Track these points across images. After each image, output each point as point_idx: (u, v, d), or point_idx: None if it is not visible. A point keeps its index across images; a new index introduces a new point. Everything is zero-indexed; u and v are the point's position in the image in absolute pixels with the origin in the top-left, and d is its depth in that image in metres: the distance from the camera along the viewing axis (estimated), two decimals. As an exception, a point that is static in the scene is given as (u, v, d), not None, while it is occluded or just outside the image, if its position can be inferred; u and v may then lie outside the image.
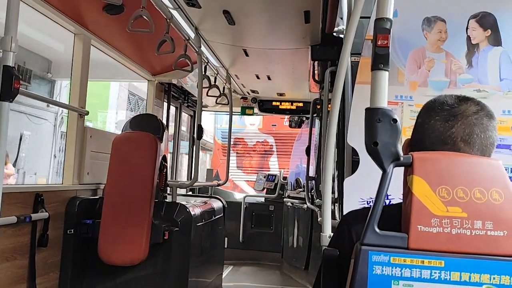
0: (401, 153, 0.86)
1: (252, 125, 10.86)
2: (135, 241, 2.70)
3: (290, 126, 6.02)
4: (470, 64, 1.85)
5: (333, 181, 2.70)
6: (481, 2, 1.84)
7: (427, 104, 0.99)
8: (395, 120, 0.84)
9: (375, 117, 0.84)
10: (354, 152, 2.08)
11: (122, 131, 3.07)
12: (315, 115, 4.68)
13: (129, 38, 3.33)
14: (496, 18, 1.84)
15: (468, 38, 1.85)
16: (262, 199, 5.94)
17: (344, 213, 1.14)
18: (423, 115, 0.97)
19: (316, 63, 3.70)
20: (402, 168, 0.88)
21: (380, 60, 0.86)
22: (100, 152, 3.05)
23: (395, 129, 0.84)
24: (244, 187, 10.93)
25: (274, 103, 5.63)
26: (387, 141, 0.84)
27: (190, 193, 5.18)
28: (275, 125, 10.90)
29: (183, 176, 6.03)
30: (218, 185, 5.02)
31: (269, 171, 9.79)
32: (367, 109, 0.86)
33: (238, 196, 6.08)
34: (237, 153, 10.80)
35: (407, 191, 0.86)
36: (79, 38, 2.93)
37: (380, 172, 0.87)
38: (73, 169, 2.84)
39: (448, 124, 0.93)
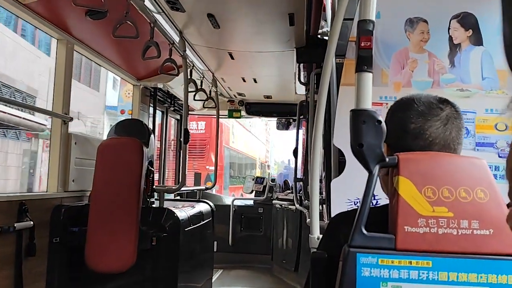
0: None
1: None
2: (122, 248, 2.66)
3: (278, 128, 6.03)
4: (452, 64, 1.87)
5: (321, 182, 2.70)
6: (462, 2, 1.86)
7: (402, 100, 1.00)
8: (379, 122, 0.84)
9: (360, 119, 0.84)
10: (341, 153, 2.08)
11: (107, 137, 3.03)
12: (302, 117, 4.69)
13: (113, 42, 3.30)
14: (477, 18, 1.87)
15: (450, 38, 1.87)
16: (251, 202, 5.94)
17: (332, 214, 1.14)
18: (398, 110, 0.98)
19: (301, 65, 3.71)
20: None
21: (364, 62, 0.86)
22: (85, 158, 3.01)
23: (380, 130, 0.84)
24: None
25: (261, 106, 5.63)
26: (372, 142, 0.83)
27: (178, 198, 5.15)
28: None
29: (170, 181, 5.98)
30: (206, 189, 4.99)
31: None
32: (352, 111, 0.86)
33: (227, 200, 6.05)
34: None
35: (393, 192, 0.86)
36: (62, 44, 2.89)
37: (366, 173, 0.87)
38: (58, 177, 2.79)
39: (427, 123, 0.94)
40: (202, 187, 5.21)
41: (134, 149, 2.80)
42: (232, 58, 3.76)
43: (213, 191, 5.95)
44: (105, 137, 3.11)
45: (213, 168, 12.38)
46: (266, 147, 22.36)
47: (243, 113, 5.67)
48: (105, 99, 16.28)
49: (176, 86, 4.44)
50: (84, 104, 14.12)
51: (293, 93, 4.97)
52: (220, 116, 5.10)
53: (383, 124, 0.84)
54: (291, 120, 5.84)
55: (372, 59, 0.86)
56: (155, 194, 3.20)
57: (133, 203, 2.71)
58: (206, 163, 12.44)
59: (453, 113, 0.96)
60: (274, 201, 5.48)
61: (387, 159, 0.85)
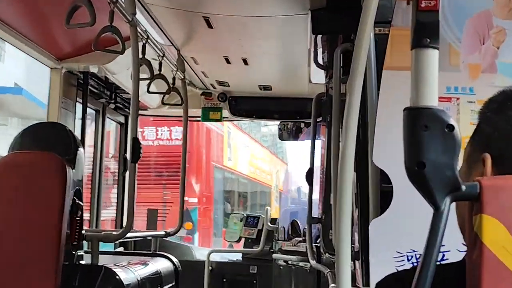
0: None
1: (91, 146, 12.14)
2: (31, 331, 2.63)
3: (281, 137, 6.03)
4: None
5: (352, 224, 2.70)
6: None
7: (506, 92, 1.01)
8: (451, 127, 0.85)
9: (420, 123, 0.85)
10: (385, 178, 2.09)
11: (8, 151, 3.02)
12: (319, 119, 4.71)
13: (18, 3, 3.29)
14: None
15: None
16: (239, 256, 5.89)
17: (372, 276, 1.13)
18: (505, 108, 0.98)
19: (319, 38, 3.73)
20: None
21: (426, 32, 0.87)
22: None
23: (452, 140, 0.84)
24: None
25: (254, 102, 5.64)
26: (440, 160, 0.84)
27: (122, 249, 5.10)
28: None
29: (109, 223, 5.94)
30: (167, 235, 4.97)
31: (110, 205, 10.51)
32: (405, 110, 0.86)
33: (200, 253, 6.03)
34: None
35: (474, 239, 0.86)
36: None
37: (429, 210, 0.87)
38: None
39: None
40: (161, 232, 5.18)
41: (52, 171, 2.78)
42: (210, 26, 3.78)
43: (187, 239, 5.90)
44: (3, 152, 3.10)
45: (195, 200, 12.35)
46: (287, 167, 22.21)
47: (225, 113, 5.68)
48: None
49: (119, 70, 4.44)
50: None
51: (306, 81, 4.99)
52: (190, 118, 5.09)
53: (457, 130, 0.85)
54: (302, 125, 5.86)
55: (438, 27, 0.87)
56: (86, 243, 3.17)
57: (48, 258, 2.69)
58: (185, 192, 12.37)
59: None
60: (275, 255, 5.46)
61: (463, 187, 0.85)
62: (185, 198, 12.42)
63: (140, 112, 5.38)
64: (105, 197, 5.59)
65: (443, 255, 1.61)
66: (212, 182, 13.45)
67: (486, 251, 0.84)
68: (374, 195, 2.25)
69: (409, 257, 1.82)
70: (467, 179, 0.95)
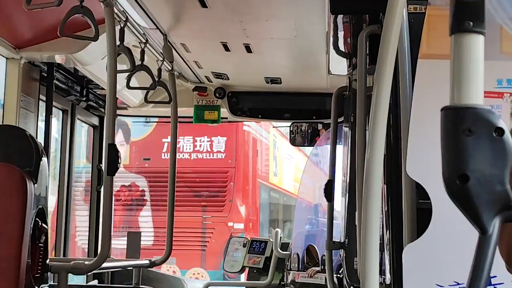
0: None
1: None
2: None
3: (293, 143, 6.04)
4: None
5: (381, 250, 2.70)
6: None
7: None
8: (500, 131, 0.85)
9: (462, 126, 0.85)
10: (421, 194, 2.09)
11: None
12: (341, 119, 4.71)
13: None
14: None
15: None
16: (242, 290, 5.92)
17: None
18: None
19: (340, 19, 3.74)
20: None
21: (468, 14, 0.87)
22: None
23: (502, 147, 0.85)
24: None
25: (259, 98, 5.65)
26: (488, 172, 0.85)
27: (96, 282, 5.10)
28: (149, 159, 12.14)
29: (80, 250, 5.95)
30: (152, 265, 4.97)
31: (138, 230, 10.20)
32: (443, 110, 0.87)
33: (193, 286, 6.04)
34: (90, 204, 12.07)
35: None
36: None
37: (475, 233, 0.87)
38: None
39: None
40: (144, 261, 5.18)
41: (8, 186, 2.80)
42: (204, 4, 3.79)
43: (170, 269, 5.90)
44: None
45: (241, 226, 12.21)
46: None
47: (223, 112, 5.70)
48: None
49: (92, 60, 4.46)
50: None
51: (324, 72, 5.00)
52: (179, 119, 5.10)
53: (508, 134, 0.85)
54: (319, 127, 5.87)
55: (483, 7, 0.87)
56: (51, 275, 3.19)
57: (5, 295, 2.70)
58: (229, 216, 12.55)
59: None
60: (287, 289, 5.47)
61: (516, 206, 0.86)
62: (230, 224, 12.51)
63: (119, 111, 5.40)
64: (76, 219, 5.57)
65: (494, 287, 1.61)
66: (258, 204, 13.52)
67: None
68: (409, 213, 2.26)
69: (453, 292, 1.83)
70: None
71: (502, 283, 1.59)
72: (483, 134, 0.85)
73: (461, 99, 0.88)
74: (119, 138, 12.01)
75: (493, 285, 1.63)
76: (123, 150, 12.04)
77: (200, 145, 12.75)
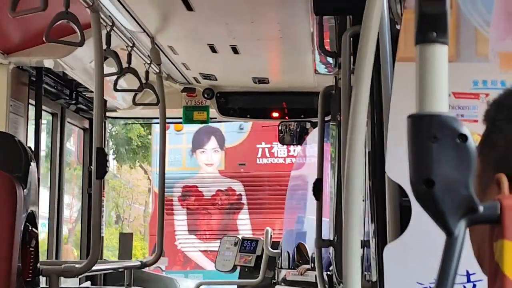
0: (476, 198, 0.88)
1: (209, 165, 12.69)
2: None
3: (282, 142, 6.04)
4: None
5: (368, 247, 2.71)
6: None
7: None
8: (463, 137, 0.86)
9: (427, 133, 0.86)
10: (404, 191, 2.11)
11: None
12: (328, 118, 4.73)
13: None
14: None
15: None
16: (233, 289, 5.91)
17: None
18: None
19: (325, 20, 3.75)
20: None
21: (431, 24, 0.89)
22: None
23: (466, 153, 0.86)
24: (200, 262, 12.31)
25: (247, 98, 5.66)
26: (452, 177, 0.86)
27: (89, 284, 5.10)
28: (244, 164, 12.41)
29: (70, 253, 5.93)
30: (143, 266, 4.97)
31: (237, 233, 10.46)
32: (410, 118, 0.88)
33: (185, 286, 6.03)
34: (187, 209, 12.44)
35: (494, 270, 0.88)
36: None
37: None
38: None
39: None
40: (135, 262, 5.19)
41: (-1, 192, 2.80)
42: (190, 8, 3.79)
43: (163, 270, 5.88)
44: None
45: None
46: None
47: (212, 112, 5.70)
48: None
49: (80, 64, 4.46)
50: None
51: (311, 72, 5.01)
52: (168, 120, 5.10)
53: (471, 140, 0.87)
54: (307, 125, 5.87)
55: (446, 17, 0.89)
56: (43, 279, 3.18)
57: (-3, 299, 2.70)
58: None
59: None
60: (278, 287, 5.47)
61: (480, 208, 0.87)
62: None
63: (108, 114, 5.41)
64: (69, 221, 5.56)
65: (474, 286, 1.63)
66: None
67: (508, 285, 0.86)
68: (392, 211, 2.26)
69: (433, 289, 1.84)
70: (483, 199, 0.97)
71: (481, 280, 1.61)
72: (448, 141, 0.86)
73: (426, 107, 0.89)
74: (213, 145, 12.77)
75: (472, 282, 1.65)
76: (218, 156, 12.74)
77: (294, 150, 12.81)
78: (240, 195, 12.55)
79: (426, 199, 0.86)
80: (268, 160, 12.70)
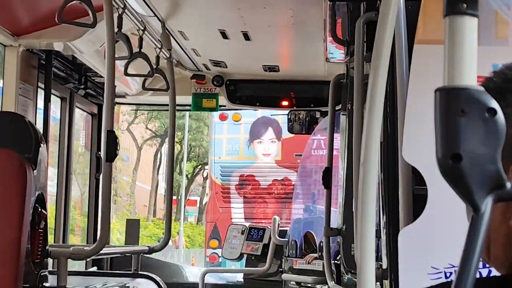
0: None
1: (266, 155, 13.23)
2: None
3: (290, 129, 6.04)
4: None
5: (378, 237, 2.71)
6: None
7: None
8: (493, 111, 0.85)
9: (455, 106, 0.85)
10: (417, 178, 2.10)
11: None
12: (338, 107, 4.72)
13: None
14: None
15: None
16: (240, 277, 5.91)
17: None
18: None
19: (337, 6, 3.74)
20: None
21: (461, -5, 0.87)
22: None
23: (494, 127, 0.85)
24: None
25: (257, 86, 5.65)
26: (480, 151, 0.85)
27: (95, 268, 5.12)
28: (301, 155, 12.58)
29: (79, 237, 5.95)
30: (151, 251, 4.98)
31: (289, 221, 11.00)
32: (437, 91, 0.87)
33: (191, 273, 6.05)
34: (244, 197, 13.07)
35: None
36: None
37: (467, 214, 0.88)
38: None
39: None
40: (143, 247, 5.20)
41: (8, 172, 2.81)
42: (202, -8, 3.79)
43: (168, 255, 5.88)
44: None
45: None
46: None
47: (222, 100, 5.70)
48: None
49: (90, 48, 4.46)
50: None
51: (322, 60, 5.00)
52: (178, 107, 5.10)
53: (500, 115, 0.85)
54: (317, 114, 5.87)
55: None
56: (51, 261, 3.19)
57: (6, 280, 2.71)
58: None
59: None
60: (285, 276, 5.47)
61: (508, 184, 0.86)
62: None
63: (117, 99, 5.40)
64: (76, 205, 5.56)
65: (490, 272, 1.62)
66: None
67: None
68: (405, 199, 2.26)
69: (447, 274, 1.83)
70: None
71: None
72: (476, 115, 0.85)
73: (454, 80, 0.88)
74: (270, 135, 13.19)
75: (488, 267, 1.63)
76: (275, 147, 13.19)
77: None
78: (296, 184, 12.75)
79: (453, 174, 0.85)
80: (323, 152, 12.79)
